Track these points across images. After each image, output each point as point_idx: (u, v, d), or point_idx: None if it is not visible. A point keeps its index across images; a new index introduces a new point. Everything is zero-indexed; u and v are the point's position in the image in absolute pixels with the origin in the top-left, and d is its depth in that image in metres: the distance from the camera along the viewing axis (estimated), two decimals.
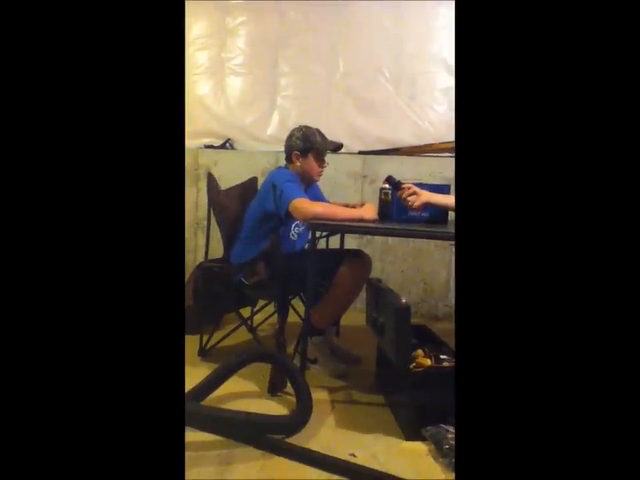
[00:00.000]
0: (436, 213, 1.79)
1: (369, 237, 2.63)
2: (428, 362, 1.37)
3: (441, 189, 1.79)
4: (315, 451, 1.25)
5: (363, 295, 1.77)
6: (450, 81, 2.59)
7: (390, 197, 1.82)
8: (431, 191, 1.71)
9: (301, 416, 1.37)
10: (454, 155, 2.56)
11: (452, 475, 1.20)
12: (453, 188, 1.83)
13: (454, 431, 1.29)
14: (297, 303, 2.10)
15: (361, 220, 1.66)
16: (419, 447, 1.32)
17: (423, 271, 2.66)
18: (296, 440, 1.31)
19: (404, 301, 1.37)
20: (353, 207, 1.83)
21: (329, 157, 1.92)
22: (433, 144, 2.59)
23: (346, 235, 2.20)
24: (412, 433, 1.35)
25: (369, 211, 1.73)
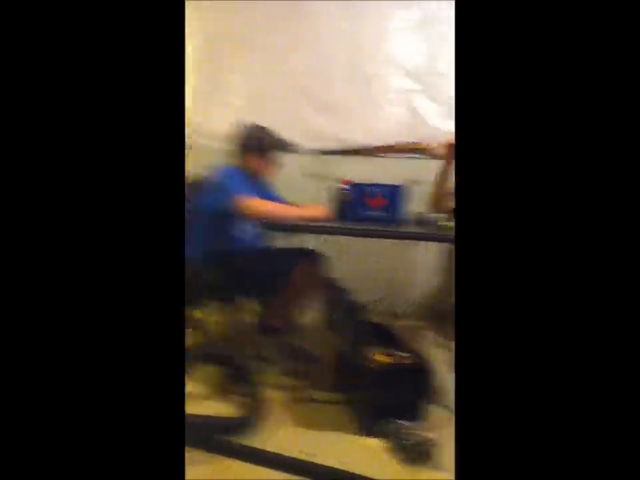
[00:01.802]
0: (393, 212, 1.82)
1: (326, 236, 2.63)
2: (386, 359, 1.39)
3: (395, 189, 1.83)
4: (269, 451, 1.24)
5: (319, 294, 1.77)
6: (404, 82, 2.63)
7: (348, 196, 1.84)
8: (385, 192, 1.75)
9: (251, 416, 1.36)
10: (410, 155, 2.61)
11: (409, 469, 1.23)
12: (414, 188, 1.87)
13: (411, 426, 1.32)
14: (251, 303, 2.08)
15: (313, 219, 1.66)
16: (377, 443, 1.34)
17: (382, 269, 2.69)
18: (254, 441, 1.30)
19: (359, 299, 1.38)
20: (302, 207, 1.82)
21: (285, 157, 1.91)
22: (390, 145, 2.63)
23: (304, 234, 2.19)
24: (370, 430, 1.37)
25: (319, 210, 1.73)
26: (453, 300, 0.77)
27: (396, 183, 1.90)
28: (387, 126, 2.65)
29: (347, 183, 1.84)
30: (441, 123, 2.63)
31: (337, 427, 1.41)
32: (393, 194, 1.83)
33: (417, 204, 2.54)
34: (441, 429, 1.41)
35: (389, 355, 1.41)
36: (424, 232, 1.74)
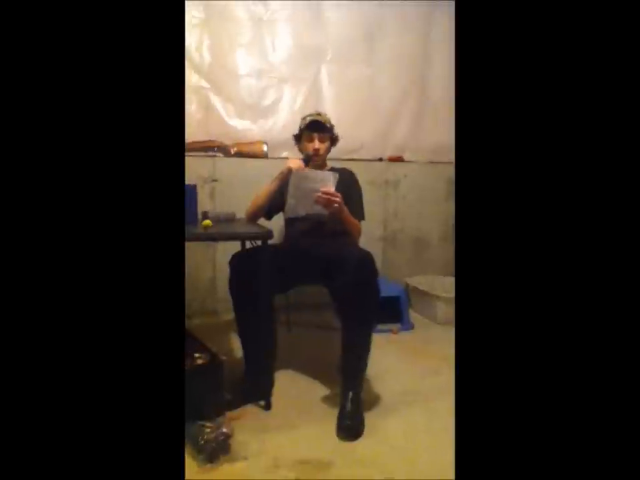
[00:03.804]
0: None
1: None
2: None
3: (189, 189, 1.81)
4: None
5: None
6: (197, 80, 2.61)
7: None
8: None
9: None
10: (207, 153, 2.60)
11: (208, 468, 1.25)
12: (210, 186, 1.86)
13: (210, 425, 1.34)
14: None
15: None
16: None
17: (188, 270, 2.64)
18: None
19: None
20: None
21: None
22: (187, 142, 2.58)
23: None
24: None
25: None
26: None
27: (187, 183, 1.88)
28: (187, 126, 2.59)
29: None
30: (235, 121, 2.69)
31: None
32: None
33: (210, 202, 2.57)
34: (238, 420, 1.48)
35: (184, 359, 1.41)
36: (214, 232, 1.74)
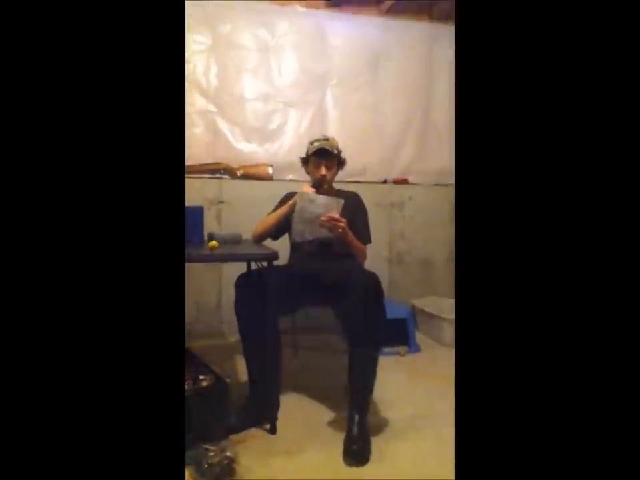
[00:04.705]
0: (190, 234, 1.80)
1: None
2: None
3: (192, 211, 1.82)
4: None
5: None
6: (204, 104, 2.66)
7: None
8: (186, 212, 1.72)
9: None
10: (213, 176, 2.63)
11: None
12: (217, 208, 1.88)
13: (214, 448, 1.32)
14: None
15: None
16: (185, 472, 1.30)
17: (194, 291, 2.65)
18: None
19: None
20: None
21: None
22: (194, 165, 2.61)
23: None
24: None
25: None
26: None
27: (194, 204, 1.89)
28: (189, 146, 2.63)
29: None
30: (242, 144, 2.72)
31: None
32: (190, 216, 1.82)
33: (216, 224, 2.59)
34: (243, 443, 1.45)
35: (188, 381, 1.39)
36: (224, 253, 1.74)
